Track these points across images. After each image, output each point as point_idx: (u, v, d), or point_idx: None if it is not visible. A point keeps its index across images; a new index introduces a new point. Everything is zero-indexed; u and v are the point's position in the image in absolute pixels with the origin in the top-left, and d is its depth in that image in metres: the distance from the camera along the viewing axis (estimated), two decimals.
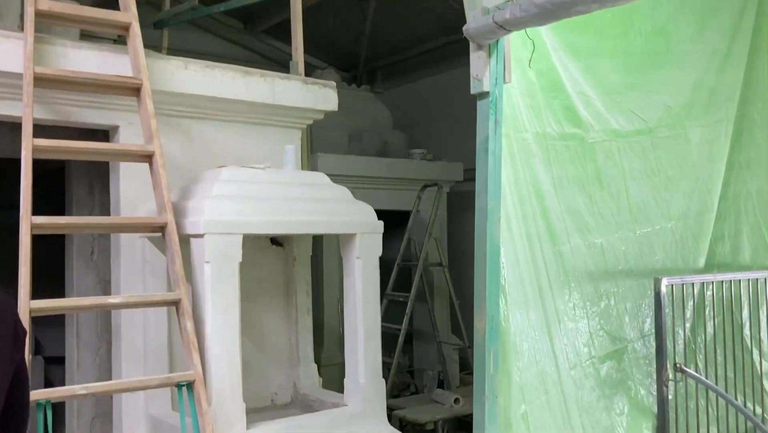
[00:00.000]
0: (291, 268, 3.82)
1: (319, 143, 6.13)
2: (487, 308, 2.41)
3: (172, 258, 2.96)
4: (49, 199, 3.96)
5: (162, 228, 3.00)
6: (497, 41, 2.49)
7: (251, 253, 3.72)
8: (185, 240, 3.11)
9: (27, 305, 2.61)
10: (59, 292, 3.75)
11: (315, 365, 3.84)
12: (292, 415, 3.41)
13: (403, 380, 6.81)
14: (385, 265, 6.30)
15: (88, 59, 3.20)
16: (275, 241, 3.80)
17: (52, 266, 3.90)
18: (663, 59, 3.73)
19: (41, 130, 3.34)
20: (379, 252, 3.47)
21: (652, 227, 3.71)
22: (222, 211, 3.04)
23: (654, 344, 3.49)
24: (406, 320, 6.02)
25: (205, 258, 2.97)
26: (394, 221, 6.66)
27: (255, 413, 3.69)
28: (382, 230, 3.48)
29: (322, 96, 3.92)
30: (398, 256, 6.32)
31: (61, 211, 3.86)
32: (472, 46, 2.49)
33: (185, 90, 3.49)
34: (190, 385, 2.81)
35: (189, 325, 2.87)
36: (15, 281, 2.68)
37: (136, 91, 3.14)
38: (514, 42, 2.74)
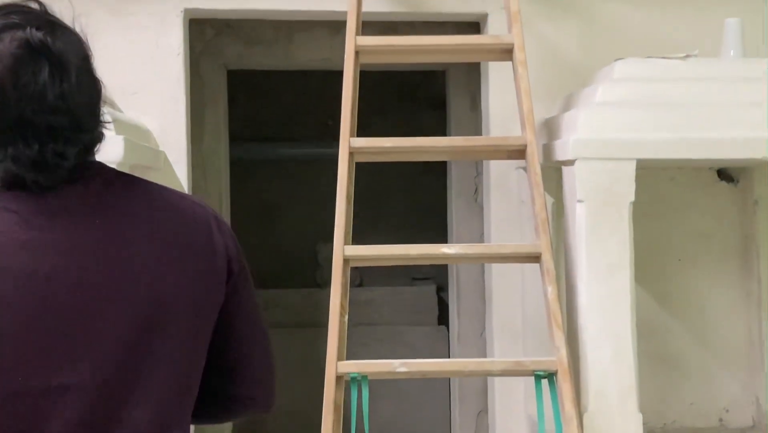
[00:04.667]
0: (751, 217, 2.50)
1: None
2: None
3: (532, 194, 2.05)
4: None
5: (521, 151, 2.10)
6: None
7: (684, 192, 2.63)
8: (559, 170, 2.18)
9: (341, 251, 2.04)
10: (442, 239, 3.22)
11: None
12: None
13: None
14: None
15: None
16: (724, 173, 2.54)
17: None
18: None
19: (408, 28, 2.89)
20: None
21: None
22: (604, 125, 2.02)
23: None
24: None
25: (577, 195, 1.99)
26: None
27: None
28: None
29: None
30: None
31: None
32: None
33: None
34: (552, 376, 1.90)
35: (550, 290, 1.94)
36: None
37: None
38: None
